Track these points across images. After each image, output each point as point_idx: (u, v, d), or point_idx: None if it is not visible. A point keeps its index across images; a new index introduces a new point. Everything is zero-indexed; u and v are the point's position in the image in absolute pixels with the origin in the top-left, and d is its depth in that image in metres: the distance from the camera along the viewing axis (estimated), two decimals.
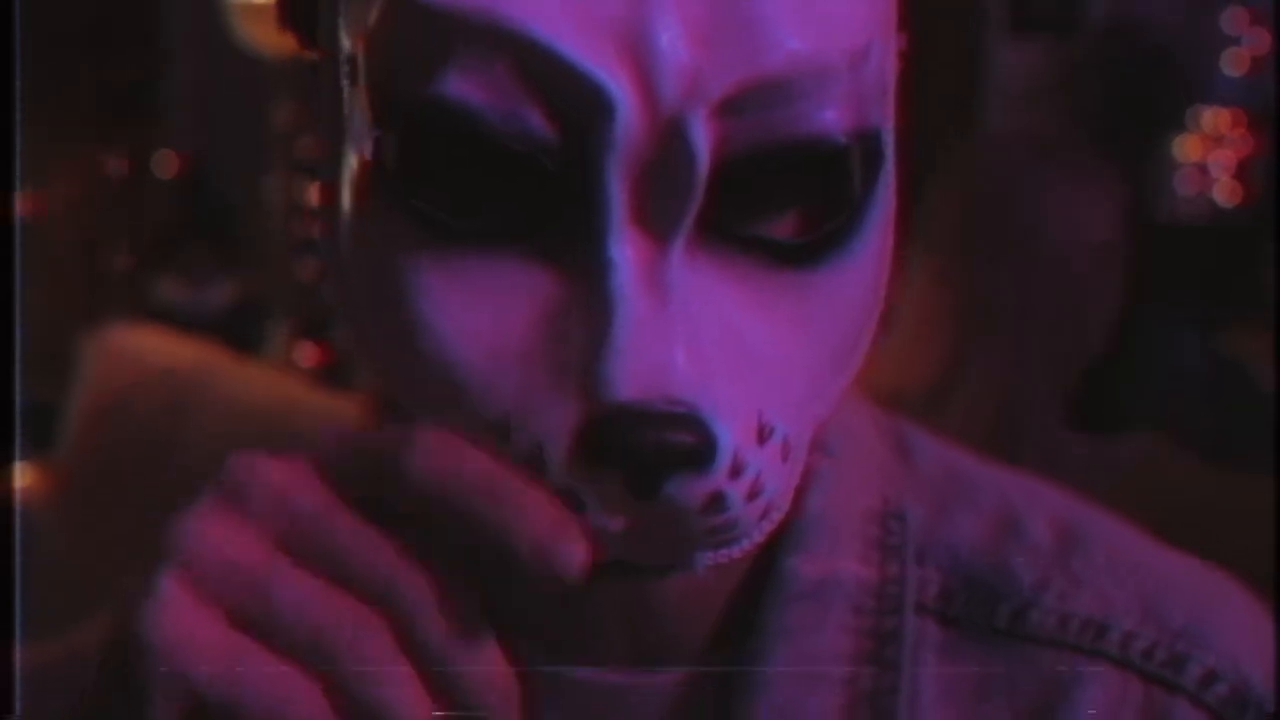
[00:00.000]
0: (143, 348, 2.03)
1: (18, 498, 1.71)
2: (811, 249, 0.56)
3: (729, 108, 0.53)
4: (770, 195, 0.55)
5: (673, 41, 0.52)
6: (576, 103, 0.52)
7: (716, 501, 0.53)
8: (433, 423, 0.54)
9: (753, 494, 0.54)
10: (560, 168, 0.53)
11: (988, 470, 0.72)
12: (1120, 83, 3.80)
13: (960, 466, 0.72)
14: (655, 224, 0.53)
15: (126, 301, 3.63)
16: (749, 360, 0.54)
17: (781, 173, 0.54)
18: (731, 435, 0.53)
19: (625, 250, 0.53)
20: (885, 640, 0.66)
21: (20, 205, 3.73)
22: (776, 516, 0.56)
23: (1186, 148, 3.93)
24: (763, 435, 0.54)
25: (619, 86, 0.52)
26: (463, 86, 0.52)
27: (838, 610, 0.66)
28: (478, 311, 0.54)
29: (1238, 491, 1.69)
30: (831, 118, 0.54)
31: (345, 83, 0.57)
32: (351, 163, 0.56)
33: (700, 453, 0.52)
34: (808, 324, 0.56)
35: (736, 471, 0.53)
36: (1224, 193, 3.94)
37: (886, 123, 0.58)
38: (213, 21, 3.11)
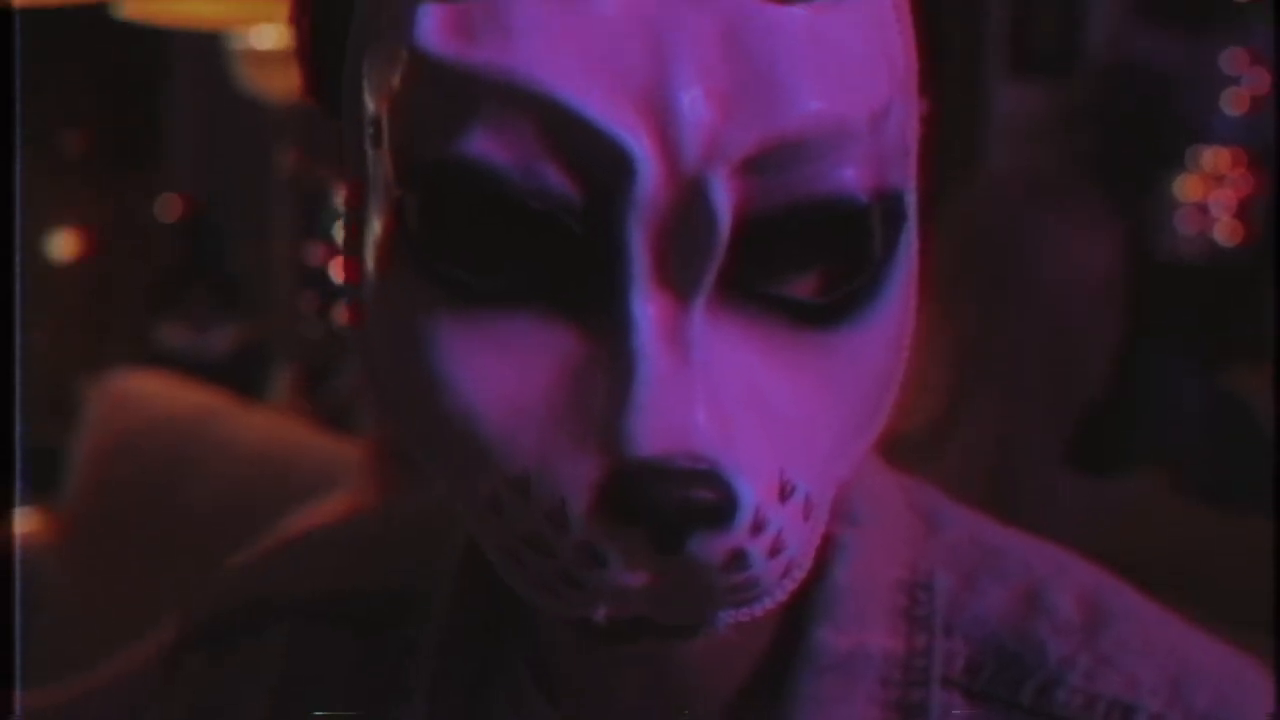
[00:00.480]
0: (146, 393, 2.03)
1: (18, 543, 1.71)
2: (833, 309, 0.56)
3: (750, 167, 0.53)
4: (791, 254, 0.55)
5: (694, 102, 0.52)
6: (599, 162, 0.52)
7: (738, 559, 0.53)
8: (454, 480, 0.55)
9: (774, 551, 0.54)
10: (582, 226, 0.53)
11: (1015, 540, 0.72)
12: (1120, 122, 3.81)
13: (987, 536, 0.71)
14: (677, 282, 0.53)
15: (130, 347, 3.63)
16: (771, 418, 0.54)
17: (802, 232, 0.54)
18: (753, 492, 0.53)
19: (647, 308, 0.53)
20: (911, 713, 0.66)
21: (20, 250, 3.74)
22: (798, 575, 0.56)
23: (1187, 187, 3.93)
24: (784, 493, 0.54)
25: (641, 147, 0.52)
26: (484, 145, 0.53)
27: (866, 682, 0.66)
28: (500, 370, 0.54)
29: (1238, 532, 1.69)
30: (852, 177, 0.54)
31: (370, 146, 0.57)
32: (375, 225, 0.57)
33: (722, 509, 0.52)
34: (829, 383, 0.56)
35: (758, 529, 0.53)
36: (1224, 232, 3.94)
37: (908, 183, 0.58)
38: (216, 68, 3.12)
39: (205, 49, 3.65)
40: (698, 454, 0.52)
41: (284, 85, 2.71)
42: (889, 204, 0.56)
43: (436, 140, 0.53)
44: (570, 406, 0.53)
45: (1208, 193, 3.93)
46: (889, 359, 0.59)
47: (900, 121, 0.57)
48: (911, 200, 0.58)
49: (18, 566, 1.67)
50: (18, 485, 1.46)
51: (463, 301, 0.54)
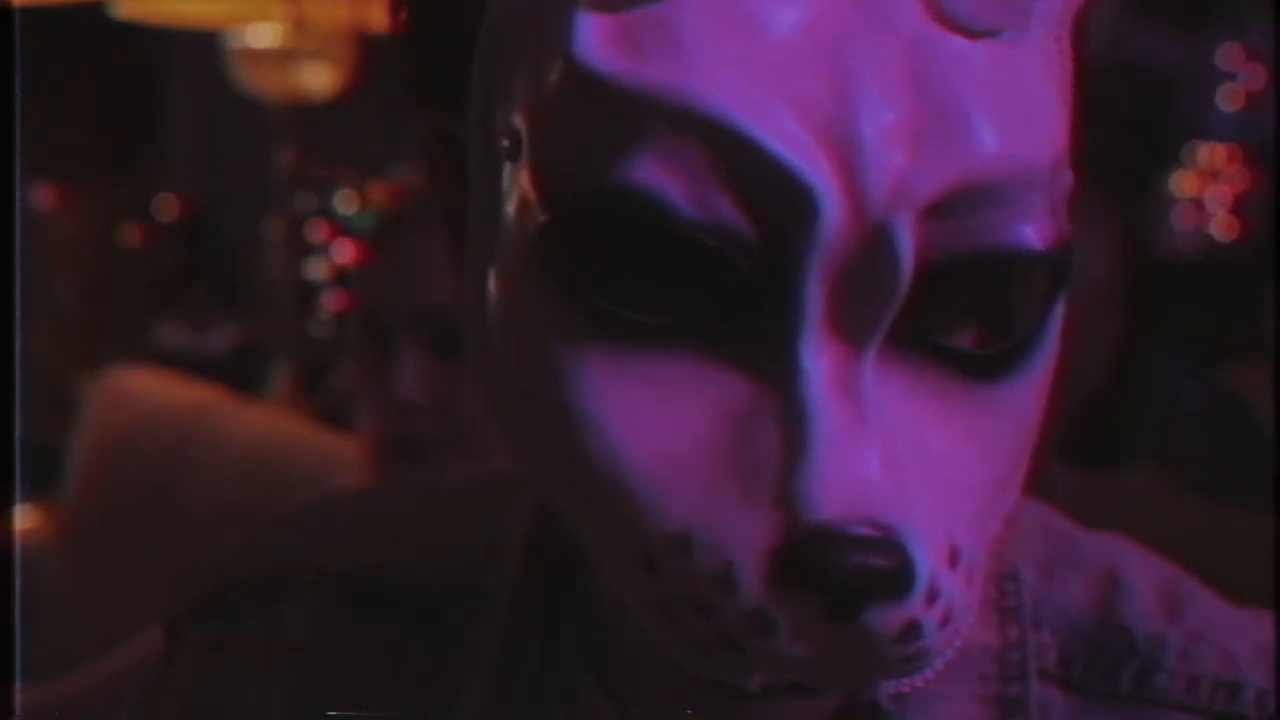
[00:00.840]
0: (144, 390, 2.04)
1: (18, 541, 1.72)
2: (998, 361, 0.53)
3: (935, 211, 0.49)
4: (964, 304, 0.52)
5: (882, 140, 0.49)
6: (778, 198, 0.49)
7: (912, 630, 0.50)
8: (597, 531, 0.51)
9: (945, 620, 0.51)
10: (753, 264, 0.49)
11: (1080, 528, 0.69)
12: (1117, 120, 3.82)
13: (1055, 524, 0.69)
14: (851, 330, 0.50)
15: (129, 346, 3.64)
16: (937, 477, 0.51)
17: (980, 281, 0.51)
18: (928, 560, 0.50)
19: (819, 357, 0.50)
20: (1011, 708, 0.63)
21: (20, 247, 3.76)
22: (958, 643, 0.53)
23: (1183, 183, 3.95)
24: (954, 558, 0.51)
25: (825, 184, 0.48)
26: (652, 173, 0.49)
27: (967, 678, 0.63)
28: (654, 412, 0.50)
29: (1237, 528, 1.70)
30: (1032, 225, 0.52)
31: (505, 158, 0.53)
32: (508, 243, 0.53)
33: (900, 579, 0.49)
34: (987, 438, 0.53)
35: (932, 598, 0.50)
36: (1221, 228, 3.95)
37: (1069, 232, 0.54)
38: (215, 67, 3.13)
39: (204, 48, 3.66)
40: (876, 519, 0.49)
41: (282, 84, 2.72)
42: (1061, 254, 0.53)
43: (595, 164, 0.49)
44: (733, 458, 0.50)
45: (1204, 189, 3.94)
46: (1038, 412, 0.56)
47: (1067, 167, 0.53)
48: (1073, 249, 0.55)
49: (18, 564, 1.67)
50: (18, 483, 1.47)
51: (613, 336, 0.50)
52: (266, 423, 1.98)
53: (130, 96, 4.14)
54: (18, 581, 1.56)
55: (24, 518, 2.07)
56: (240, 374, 3.05)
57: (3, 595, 1.56)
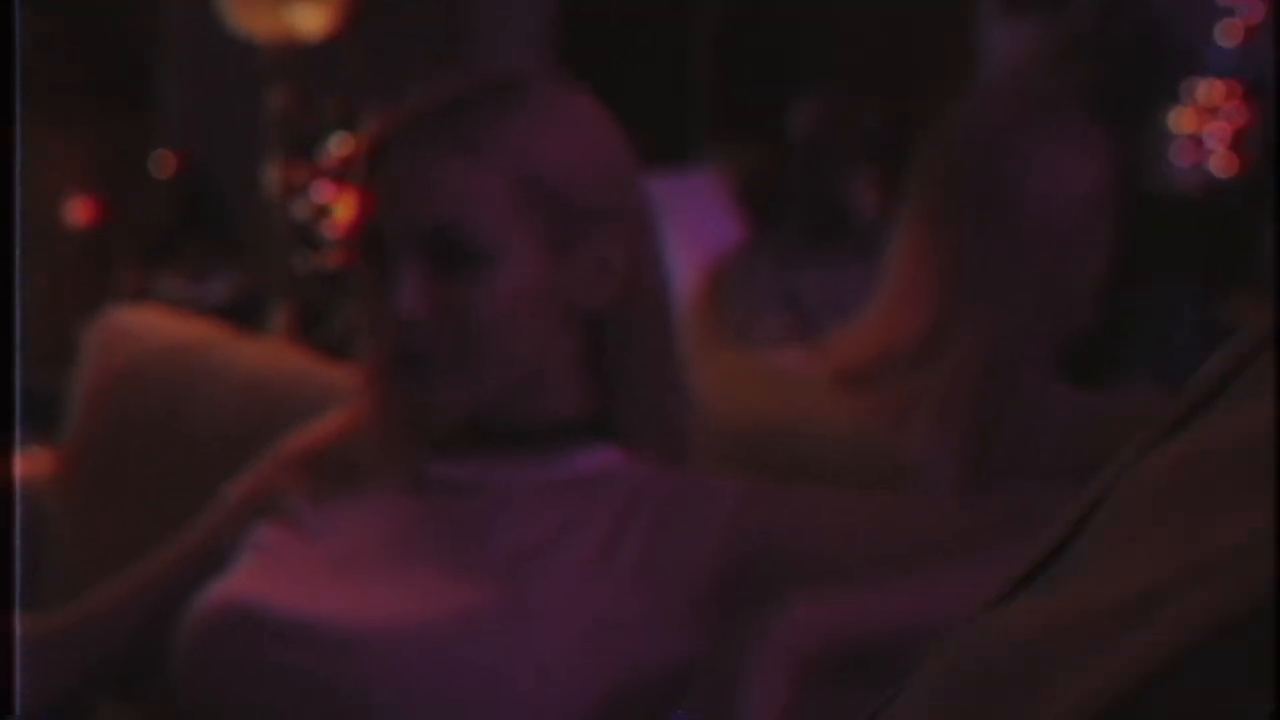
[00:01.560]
0: (144, 327, 2.03)
1: (18, 487, 1.73)
2: None
3: None
4: None
5: None
6: None
7: None
8: None
9: None
10: None
11: None
12: (1115, 56, 3.82)
13: None
14: None
15: (128, 298, 3.65)
16: None
17: None
18: None
19: None
20: None
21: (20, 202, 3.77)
22: None
23: (1182, 120, 3.95)
24: None
25: None
26: None
27: None
28: None
29: None
30: None
31: None
32: None
33: None
34: None
35: None
36: (1219, 164, 3.96)
37: None
38: (206, 10, 3.13)
39: None
40: None
41: (274, 24, 2.73)
42: None
43: None
44: None
45: (1202, 125, 3.94)
46: None
47: None
48: None
49: (18, 506, 1.68)
50: (17, 429, 1.48)
51: None
52: (267, 355, 1.98)
53: (122, 43, 4.13)
54: (18, 527, 1.58)
55: (26, 461, 2.08)
56: (240, 320, 3.06)
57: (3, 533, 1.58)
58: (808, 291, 3.59)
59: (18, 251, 2.50)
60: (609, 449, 1.51)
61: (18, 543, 1.58)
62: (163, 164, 4.31)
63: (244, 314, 3.28)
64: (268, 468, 1.62)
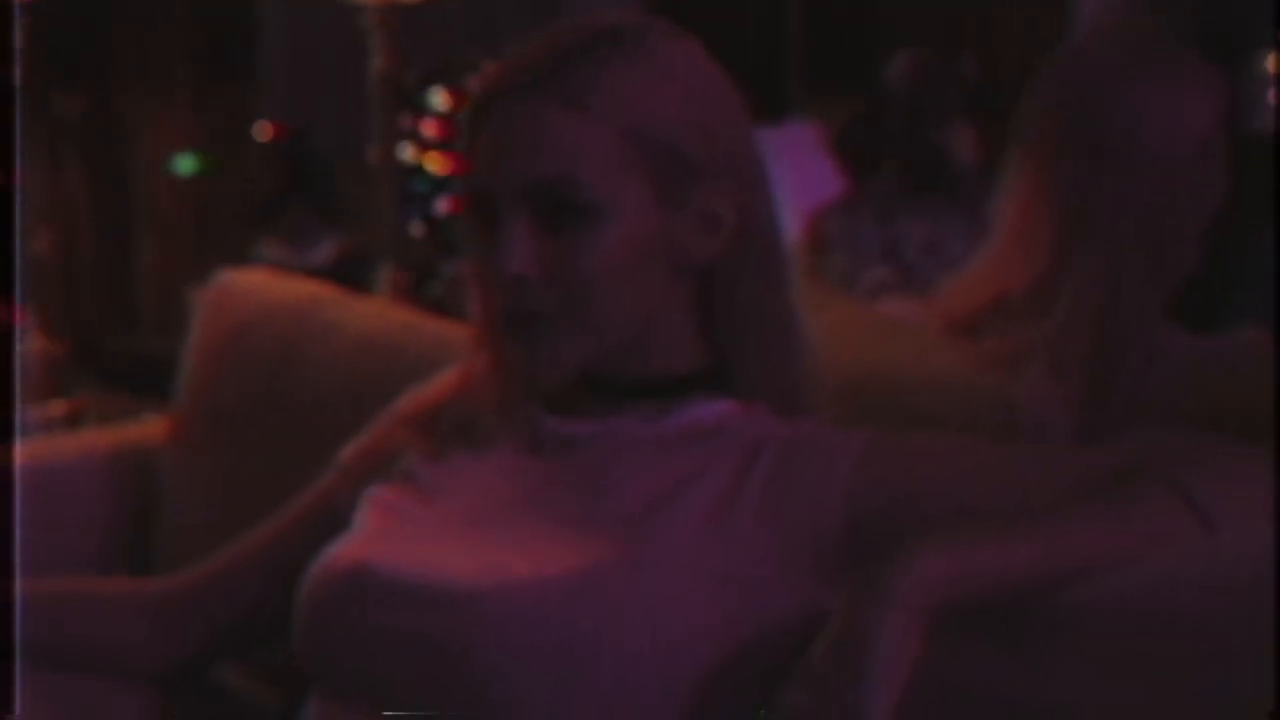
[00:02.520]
0: (254, 288, 2.05)
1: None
2: None
3: None
4: None
5: None
6: None
7: None
8: None
9: None
10: None
11: None
12: (1209, 2, 3.78)
13: None
14: None
15: (232, 263, 3.68)
16: None
17: None
18: None
19: None
20: None
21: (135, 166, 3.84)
22: None
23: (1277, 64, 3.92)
24: None
25: None
26: None
27: None
28: None
29: None
30: None
31: None
32: None
33: None
34: None
35: None
36: None
37: None
38: None
39: None
40: None
41: None
42: None
43: None
44: None
45: None
46: None
47: None
48: None
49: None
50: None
51: None
52: (376, 313, 1.99)
53: (226, 9, 4.15)
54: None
55: (145, 427, 2.11)
56: (344, 283, 3.08)
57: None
58: (907, 242, 3.58)
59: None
60: (725, 401, 1.51)
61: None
62: (265, 131, 4.34)
63: (347, 277, 3.30)
64: (384, 428, 1.63)
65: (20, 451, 2.10)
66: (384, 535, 1.50)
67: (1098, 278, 1.72)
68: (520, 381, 1.53)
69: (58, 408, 2.59)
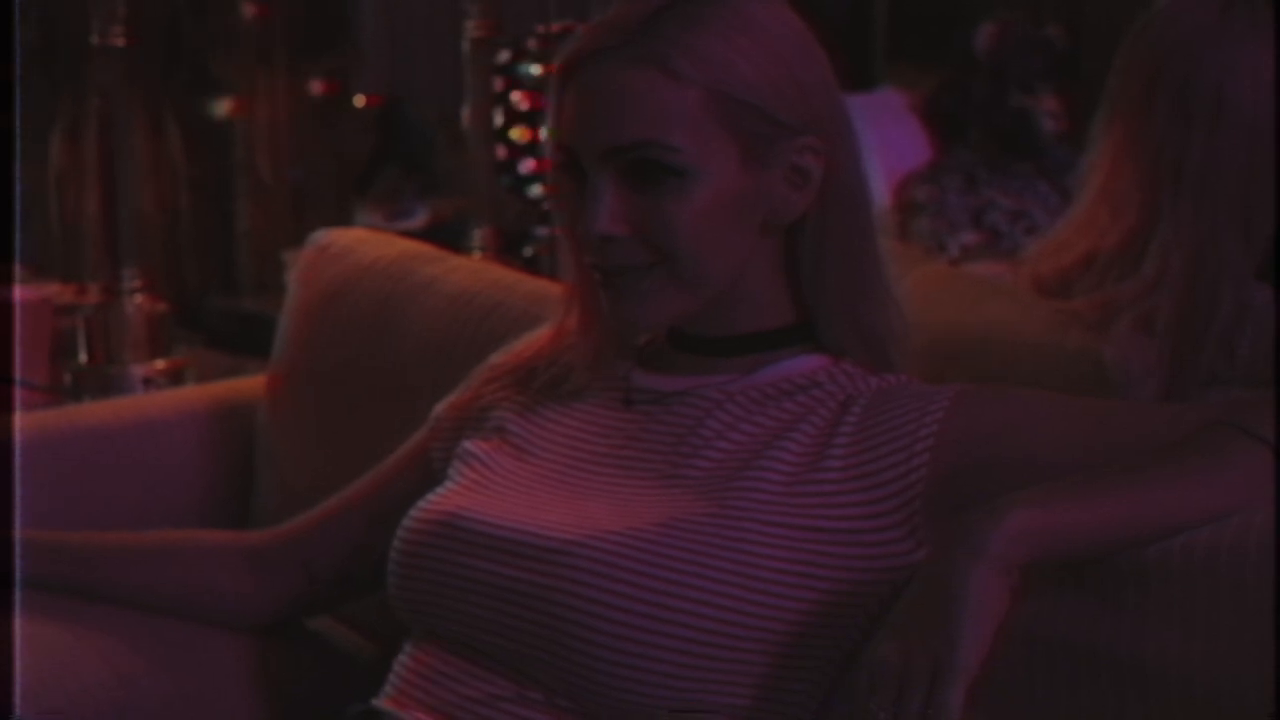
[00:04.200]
0: (349, 246, 2.07)
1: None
2: None
3: None
4: None
5: None
6: None
7: None
8: None
9: None
10: None
11: None
12: None
13: None
14: None
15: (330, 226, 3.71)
16: None
17: None
18: None
19: None
20: None
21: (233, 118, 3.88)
22: None
23: None
24: None
25: None
26: None
27: None
28: None
29: None
30: None
31: None
32: None
33: None
34: None
35: None
36: None
37: None
38: None
39: None
40: None
41: None
42: None
43: None
44: None
45: None
46: None
47: None
48: None
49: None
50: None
51: None
52: (471, 270, 2.01)
53: None
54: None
55: (246, 384, 2.14)
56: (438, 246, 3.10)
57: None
58: (995, 210, 3.57)
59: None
60: (815, 357, 1.52)
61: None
62: (362, 101, 4.37)
63: (441, 241, 3.33)
64: (478, 383, 1.65)
65: (123, 405, 2.15)
66: (476, 487, 1.53)
67: (1187, 235, 1.72)
68: (612, 338, 1.55)
69: (159, 365, 2.63)
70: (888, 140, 3.80)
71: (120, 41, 2.57)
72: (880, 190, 3.68)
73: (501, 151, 3.20)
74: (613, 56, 1.44)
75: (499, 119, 3.17)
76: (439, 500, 1.53)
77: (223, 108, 3.77)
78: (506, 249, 2.92)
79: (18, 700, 1.41)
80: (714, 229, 1.45)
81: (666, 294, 1.46)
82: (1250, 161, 1.72)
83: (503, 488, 1.52)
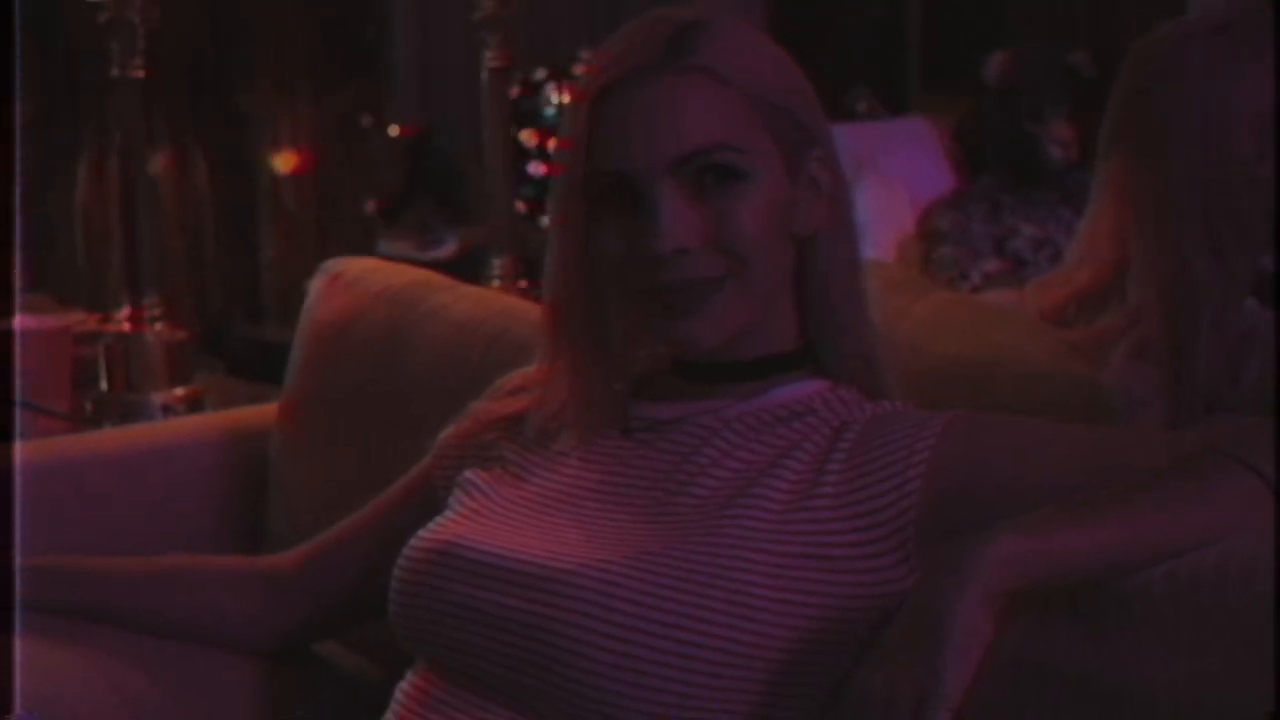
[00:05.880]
0: (360, 274, 2.09)
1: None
2: None
3: None
4: None
5: None
6: None
7: None
8: None
9: None
10: None
11: None
12: None
13: None
14: None
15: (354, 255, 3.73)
16: None
17: None
18: None
19: None
20: None
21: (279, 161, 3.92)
22: None
23: None
24: None
25: None
26: None
27: None
28: None
29: None
30: None
31: None
32: None
33: None
34: None
35: None
36: None
37: None
38: None
39: None
40: None
41: None
42: None
43: None
44: None
45: None
46: None
47: None
48: None
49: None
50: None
51: None
52: (479, 298, 2.02)
53: (348, 12, 4.21)
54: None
55: (262, 412, 2.16)
56: (463, 275, 3.12)
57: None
58: (1018, 237, 3.58)
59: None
60: (815, 382, 1.52)
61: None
62: (396, 130, 4.39)
63: (468, 270, 3.35)
64: (480, 412, 1.66)
65: (137, 432, 2.18)
66: (474, 515, 1.53)
67: (1157, 264, 1.73)
68: (613, 370, 1.55)
69: (178, 393, 2.66)
70: (912, 168, 3.81)
71: (139, 73, 2.59)
72: (905, 218, 3.69)
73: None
74: (655, 72, 1.44)
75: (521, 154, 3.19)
76: (438, 529, 1.54)
77: (249, 138, 3.80)
78: (527, 276, 2.93)
79: (17, 700, 1.42)
80: (772, 235, 1.46)
81: (735, 306, 1.46)
82: (1209, 188, 1.73)
83: (501, 516, 1.53)
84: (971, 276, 3.48)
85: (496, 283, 2.88)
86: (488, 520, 1.52)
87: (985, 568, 1.26)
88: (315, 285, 2.10)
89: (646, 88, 1.44)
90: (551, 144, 3.24)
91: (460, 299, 1.99)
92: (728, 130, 1.44)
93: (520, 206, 3.41)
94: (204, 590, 1.79)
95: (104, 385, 2.68)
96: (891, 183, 3.73)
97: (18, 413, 1.39)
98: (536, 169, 3.23)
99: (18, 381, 1.42)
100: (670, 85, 1.43)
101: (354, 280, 2.07)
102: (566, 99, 3.28)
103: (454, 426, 1.68)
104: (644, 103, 1.44)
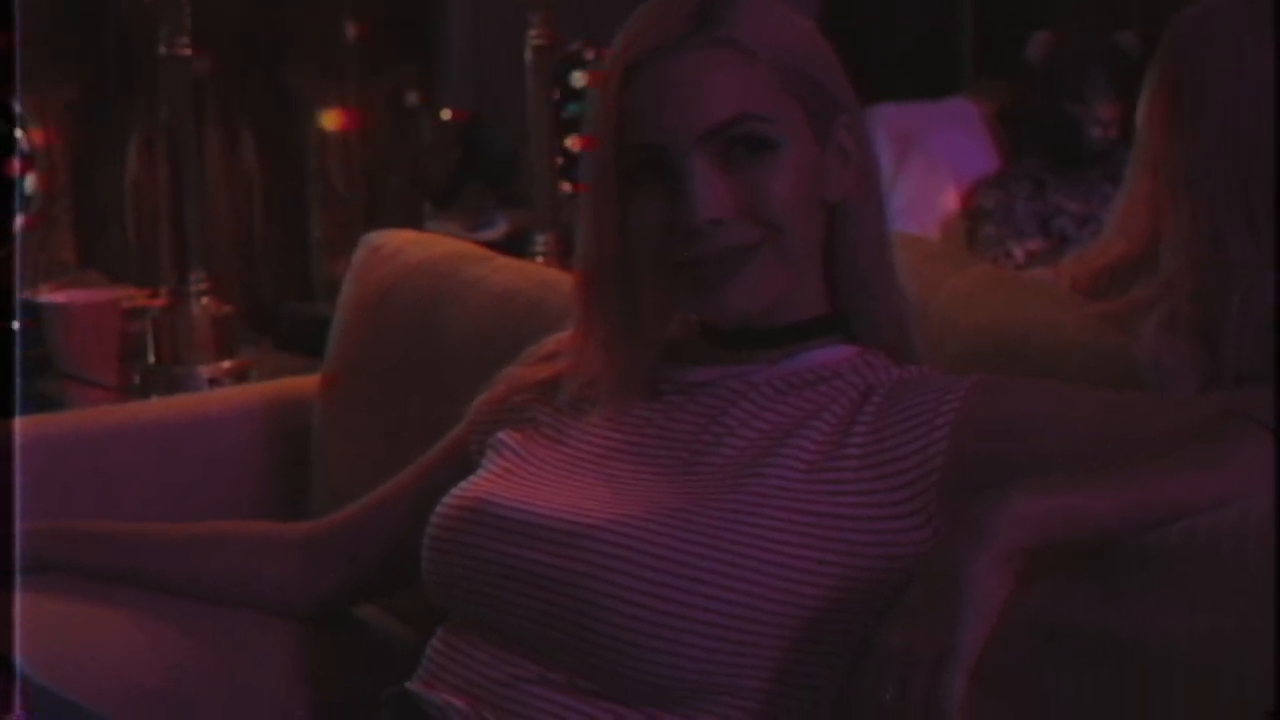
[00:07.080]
0: (402, 245, 2.11)
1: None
2: None
3: None
4: None
5: None
6: None
7: None
8: None
9: None
10: None
11: None
12: None
13: None
14: None
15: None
16: None
17: None
18: None
19: None
20: None
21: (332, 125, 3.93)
22: None
23: None
24: None
25: None
26: None
27: None
28: None
29: None
30: None
31: None
32: None
33: None
34: None
35: None
36: None
37: None
38: None
39: None
40: None
41: None
42: None
43: None
44: None
45: None
46: None
47: None
48: None
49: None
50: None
51: None
52: (515, 269, 2.04)
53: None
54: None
55: (306, 382, 2.18)
56: (512, 253, 3.14)
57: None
58: (1062, 215, 3.58)
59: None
60: (844, 347, 1.54)
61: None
62: (449, 114, 4.40)
63: (515, 249, 3.37)
64: (513, 378, 1.68)
65: (181, 402, 2.21)
66: (506, 474, 1.56)
67: (1190, 236, 1.73)
68: (637, 344, 1.56)
69: (224, 365, 2.69)
70: (957, 148, 3.81)
71: (186, 52, 2.62)
72: (949, 197, 3.69)
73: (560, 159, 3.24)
74: (682, 44, 1.45)
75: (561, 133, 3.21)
76: (470, 488, 1.56)
77: (298, 118, 3.83)
78: (568, 253, 2.96)
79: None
80: (804, 202, 1.48)
81: (770, 273, 1.47)
82: (1244, 160, 1.73)
83: (532, 474, 1.55)
84: (1015, 255, 3.49)
85: (540, 259, 2.90)
86: (519, 479, 1.54)
87: (1003, 527, 1.27)
88: (357, 258, 2.13)
89: (673, 61, 1.45)
90: None
91: (498, 270, 2.01)
92: (756, 101, 1.45)
93: (567, 187, 3.42)
94: (241, 555, 1.81)
95: (151, 358, 2.71)
96: (936, 163, 3.73)
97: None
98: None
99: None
100: (697, 59, 1.45)
101: (394, 252, 2.09)
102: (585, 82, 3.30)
103: (488, 392, 1.70)
104: (672, 77, 1.45)
